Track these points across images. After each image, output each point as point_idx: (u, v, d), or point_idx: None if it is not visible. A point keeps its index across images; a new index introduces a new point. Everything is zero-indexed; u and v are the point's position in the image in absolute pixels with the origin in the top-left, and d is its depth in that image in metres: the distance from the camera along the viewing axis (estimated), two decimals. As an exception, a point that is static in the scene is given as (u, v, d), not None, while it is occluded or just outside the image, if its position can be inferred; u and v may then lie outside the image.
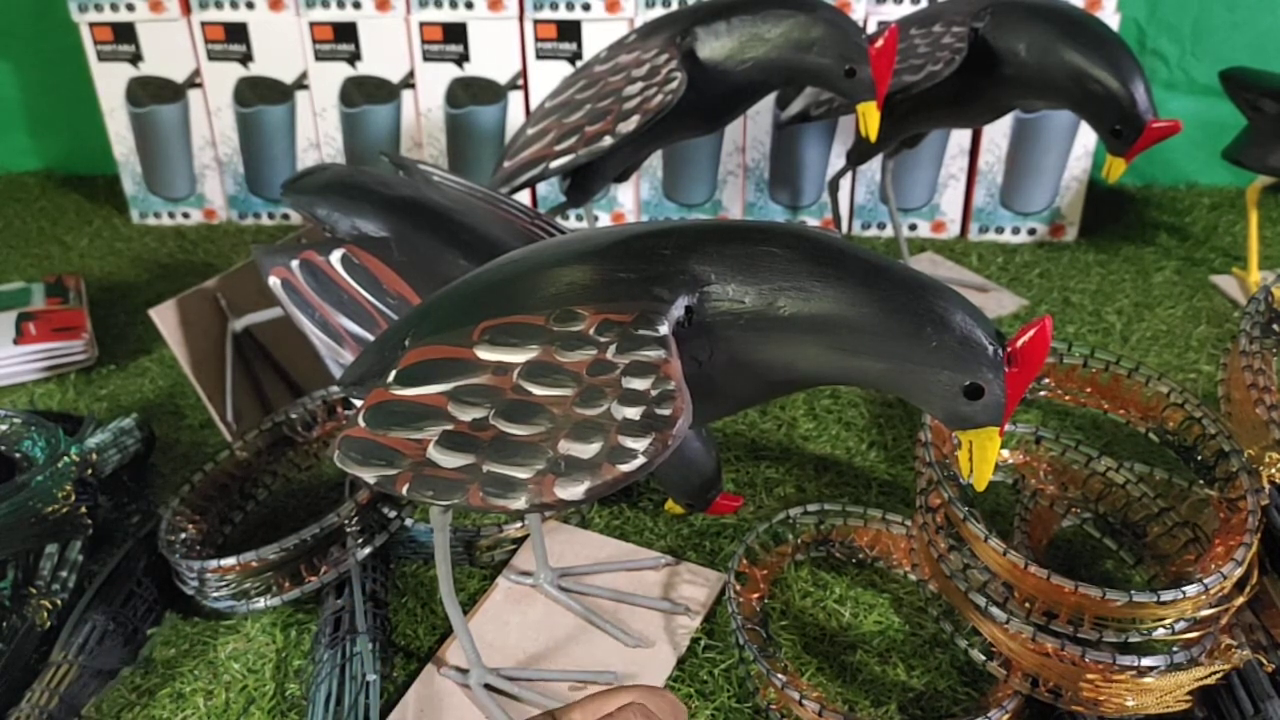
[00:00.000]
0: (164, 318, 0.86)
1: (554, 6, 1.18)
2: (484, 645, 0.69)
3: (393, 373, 0.51)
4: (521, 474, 0.44)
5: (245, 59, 1.27)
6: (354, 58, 1.25)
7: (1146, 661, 0.58)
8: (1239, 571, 0.60)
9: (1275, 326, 0.77)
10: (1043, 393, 0.81)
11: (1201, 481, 0.71)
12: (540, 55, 1.21)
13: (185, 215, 1.39)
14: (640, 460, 0.43)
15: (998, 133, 1.21)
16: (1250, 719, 0.58)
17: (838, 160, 1.26)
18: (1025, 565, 0.61)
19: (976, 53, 0.92)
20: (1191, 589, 0.59)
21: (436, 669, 0.69)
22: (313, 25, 1.23)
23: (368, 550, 0.73)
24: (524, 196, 1.29)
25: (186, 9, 1.25)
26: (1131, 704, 0.59)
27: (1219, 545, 0.65)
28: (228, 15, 1.24)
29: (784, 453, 0.89)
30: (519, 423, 0.46)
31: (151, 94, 1.30)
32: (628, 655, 0.69)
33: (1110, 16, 1.14)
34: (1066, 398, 0.80)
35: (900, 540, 0.74)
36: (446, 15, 1.21)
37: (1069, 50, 0.88)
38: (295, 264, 0.70)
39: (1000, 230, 1.27)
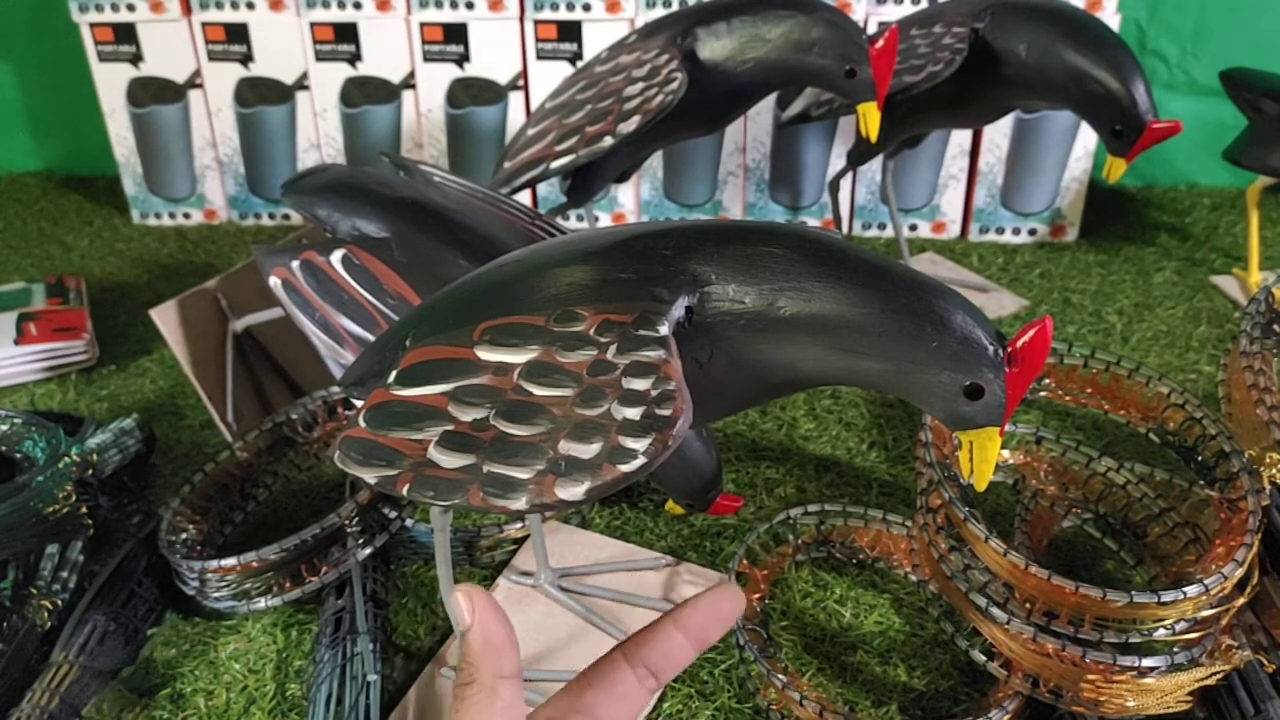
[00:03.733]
0: (164, 318, 0.86)
1: (554, 7, 1.18)
2: (484, 645, 0.69)
3: (393, 373, 0.51)
4: (522, 474, 0.44)
5: (246, 59, 1.27)
6: (354, 58, 1.25)
7: (1147, 662, 0.58)
8: (1239, 572, 0.60)
9: (1276, 327, 0.77)
10: (1043, 393, 0.81)
11: (1202, 482, 0.71)
12: (541, 56, 1.21)
13: (186, 216, 1.39)
14: (640, 460, 0.43)
15: (998, 133, 1.21)
16: None
17: (838, 161, 1.26)
18: (1026, 566, 0.61)
19: (977, 53, 0.92)
20: (1192, 590, 0.59)
21: (437, 669, 0.69)
22: (313, 26, 1.23)
23: (368, 550, 0.73)
24: (524, 197, 1.29)
25: (187, 9, 1.25)
26: (1132, 704, 0.59)
27: (1219, 546, 0.65)
28: (228, 16, 1.24)
29: (784, 453, 0.89)
30: (519, 423, 0.46)
31: (152, 94, 1.30)
32: (628, 656, 0.69)
33: (1111, 17, 1.14)
34: (1067, 398, 0.80)
35: (901, 541, 0.74)
36: (447, 16, 1.21)
37: (1069, 51, 0.88)
38: (296, 264, 0.70)
39: (1001, 231, 1.27)
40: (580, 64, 1.15)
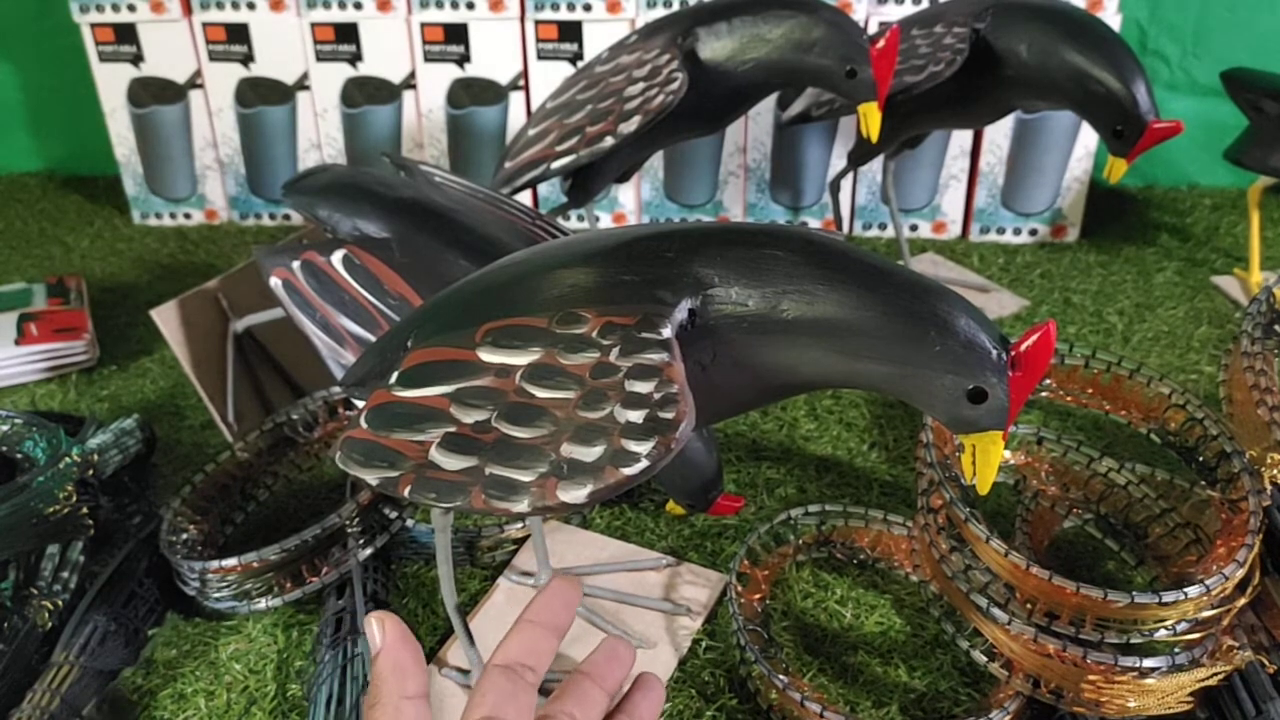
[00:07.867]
0: (165, 318, 0.86)
1: (555, 7, 1.18)
2: (485, 646, 0.69)
3: (395, 374, 0.51)
4: (524, 477, 0.44)
5: (246, 60, 1.27)
6: (355, 58, 1.25)
7: (1148, 663, 0.58)
8: (1240, 572, 0.60)
9: (1276, 327, 0.77)
10: (1044, 394, 0.81)
11: (1203, 482, 0.71)
12: (541, 56, 1.21)
13: (186, 216, 1.39)
14: (643, 464, 0.43)
15: (999, 133, 1.21)
16: (1252, 720, 0.58)
17: (839, 161, 1.26)
18: (1027, 566, 0.61)
19: (978, 53, 0.92)
20: (1193, 590, 0.59)
21: (437, 669, 0.69)
22: (314, 26, 1.23)
23: (369, 551, 0.73)
24: (525, 197, 1.29)
25: (188, 10, 1.25)
26: (1133, 705, 0.59)
27: (1220, 546, 0.65)
28: (229, 16, 1.24)
29: (785, 453, 0.89)
30: (521, 425, 0.46)
31: (153, 94, 1.30)
32: (629, 656, 0.69)
33: (1111, 17, 1.14)
34: (1068, 399, 0.80)
35: (902, 541, 0.74)
36: (447, 16, 1.21)
37: (1070, 51, 0.88)
38: (296, 265, 0.70)
39: (1001, 231, 1.27)
40: (581, 64, 1.15)
